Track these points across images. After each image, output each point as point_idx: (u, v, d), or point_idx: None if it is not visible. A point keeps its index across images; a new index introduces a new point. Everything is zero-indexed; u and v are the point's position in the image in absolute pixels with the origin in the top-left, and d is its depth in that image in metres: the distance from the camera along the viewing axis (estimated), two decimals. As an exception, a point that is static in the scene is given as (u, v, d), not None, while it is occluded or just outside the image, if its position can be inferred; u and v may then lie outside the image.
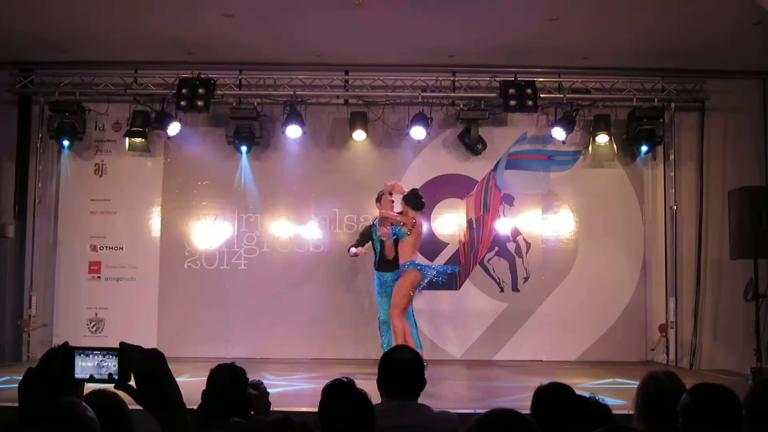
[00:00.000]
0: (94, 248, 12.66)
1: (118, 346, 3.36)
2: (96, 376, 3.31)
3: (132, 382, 3.25)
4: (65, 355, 3.33)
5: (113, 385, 3.31)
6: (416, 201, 10.66)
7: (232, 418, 3.36)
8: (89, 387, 3.33)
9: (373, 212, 12.76)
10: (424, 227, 12.68)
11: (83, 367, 3.33)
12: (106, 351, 3.31)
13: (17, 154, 12.82)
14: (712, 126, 12.87)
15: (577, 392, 3.88)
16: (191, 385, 4.38)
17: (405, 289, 10.45)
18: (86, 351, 3.33)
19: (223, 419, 3.52)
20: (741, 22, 10.60)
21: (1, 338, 12.36)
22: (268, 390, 4.94)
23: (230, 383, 4.33)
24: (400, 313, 10.42)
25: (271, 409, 4.54)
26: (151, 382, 3.26)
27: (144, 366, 3.29)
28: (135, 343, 3.31)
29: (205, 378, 4.43)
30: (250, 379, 4.51)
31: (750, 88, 12.79)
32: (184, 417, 3.30)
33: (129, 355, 3.30)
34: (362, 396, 3.71)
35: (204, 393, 4.32)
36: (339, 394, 3.71)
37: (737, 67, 12.53)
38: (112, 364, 3.29)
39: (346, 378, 3.80)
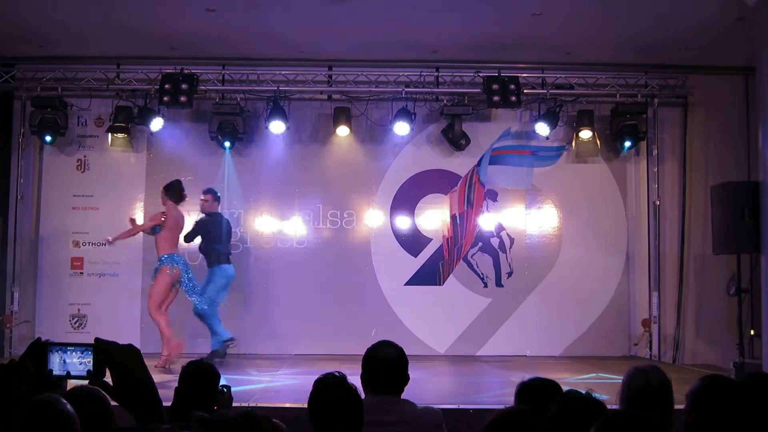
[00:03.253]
0: (76, 244, 12.61)
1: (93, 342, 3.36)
2: (73, 372, 3.30)
3: (109, 378, 3.24)
4: (38, 351, 3.31)
5: (88, 380, 3.30)
6: (176, 193, 11.05)
7: (195, 412, 3.35)
8: (73, 383, 3.32)
9: (357, 207, 12.81)
10: (408, 223, 12.76)
11: (61, 363, 3.32)
12: (84, 347, 3.31)
13: (-2, 150, 12.77)
14: (695, 122, 12.92)
15: (572, 388, 3.86)
16: (175, 381, 4.38)
17: (162, 285, 10.65)
18: (63, 347, 3.32)
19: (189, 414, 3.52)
20: (724, 18, 10.64)
21: (-17, 334, 12.32)
22: (252, 386, 4.94)
23: (201, 379, 4.32)
24: (156, 308, 10.61)
25: (233, 404, 4.53)
26: (126, 378, 3.25)
27: (120, 362, 3.28)
28: (118, 340, 3.30)
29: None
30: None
31: (733, 84, 12.80)
32: (159, 412, 3.29)
33: (104, 351, 3.30)
34: (353, 391, 3.70)
35: (176, 390, 4.32)
36: (330, 388, 3.70)
37: (720, 63, 12.54)
38: (88, 360, 3.29)
39: (338, 372, 3.79)
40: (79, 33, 11.64)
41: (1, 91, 12.74)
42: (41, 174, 12.85)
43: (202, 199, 11.60)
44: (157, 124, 12.36)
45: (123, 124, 12.45)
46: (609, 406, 3.38)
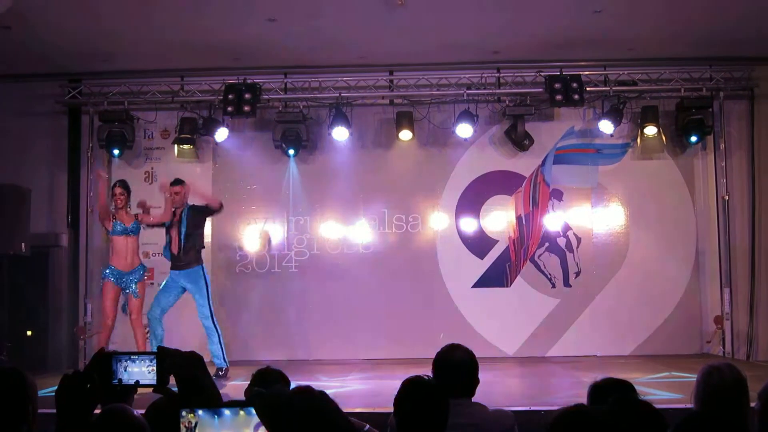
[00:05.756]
0: (146, 255, 12.72)
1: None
2: (142, 381, 3.37)
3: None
4: (102, 361, 3.39)
5: (153, 388, 3.37)
6: None
7: (253, 388, 3.40)
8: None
9: (422, 211, 12.79)
10: (473, 225, 12.73)
11: (129, 372, 3.39)
12: (152, 355, 3.38)
13: (69, 164, 13.02)
14: (762, 113, 12.71)
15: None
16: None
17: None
18: (130, 356, 3.40)
19: None
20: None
21: (58, 346, 12.54)
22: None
23: (271, 386, 4.37)
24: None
25: None
26: (190, 385, 3.31)
27: (183, 369, 3.34)
28: (188, 348, 3.36)
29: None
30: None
31: (800, 74, 12.62)
32: None
33: (168, 359, 3.36)
34: (442, 395, 3.72)
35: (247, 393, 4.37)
36: (420, 389, 3.73)
37: (786, 53, 12.36)
38: (153, 368, 3.36)
39: (427, 376, 3.83)
40: (144, 47, 11.80)
41: (69, 106, 13.01)
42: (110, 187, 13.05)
43: (176, 192, 10.65)
44: (221, 134, 12.50)
45: (188, 136, 12.62)
46: (683, 405, 3.34)
